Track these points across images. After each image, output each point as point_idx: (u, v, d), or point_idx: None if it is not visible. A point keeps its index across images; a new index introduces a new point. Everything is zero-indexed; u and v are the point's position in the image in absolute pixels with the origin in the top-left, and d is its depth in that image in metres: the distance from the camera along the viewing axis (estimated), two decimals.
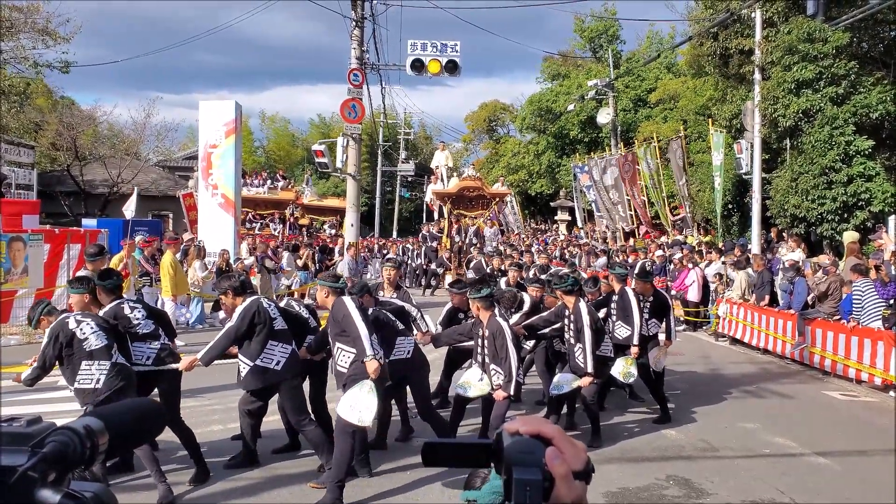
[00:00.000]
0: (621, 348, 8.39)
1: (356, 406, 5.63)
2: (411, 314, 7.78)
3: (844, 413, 9.19)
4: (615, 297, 8.65)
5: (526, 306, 8.59)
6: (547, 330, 7.98)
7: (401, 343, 6.79)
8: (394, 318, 6.94)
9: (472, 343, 7.10)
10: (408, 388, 7.05)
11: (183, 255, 15.17)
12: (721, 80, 21.45)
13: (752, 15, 17.99)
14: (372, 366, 5.66)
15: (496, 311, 6.84)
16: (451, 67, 16.88)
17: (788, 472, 6.63)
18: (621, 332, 8.45)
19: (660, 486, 6.17)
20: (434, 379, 8.35)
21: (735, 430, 7.99)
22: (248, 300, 6.17)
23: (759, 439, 7.67)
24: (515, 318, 8.13)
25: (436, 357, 8.72)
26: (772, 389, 10.29)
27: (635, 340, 8.21)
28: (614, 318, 8.60)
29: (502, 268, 14.64)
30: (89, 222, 20.06)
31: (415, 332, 7.37)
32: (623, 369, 8.09)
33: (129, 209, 17.63)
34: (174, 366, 6.14)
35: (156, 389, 6.26)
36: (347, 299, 5.97)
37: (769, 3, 17.95)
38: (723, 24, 19.10)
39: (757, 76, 17.90)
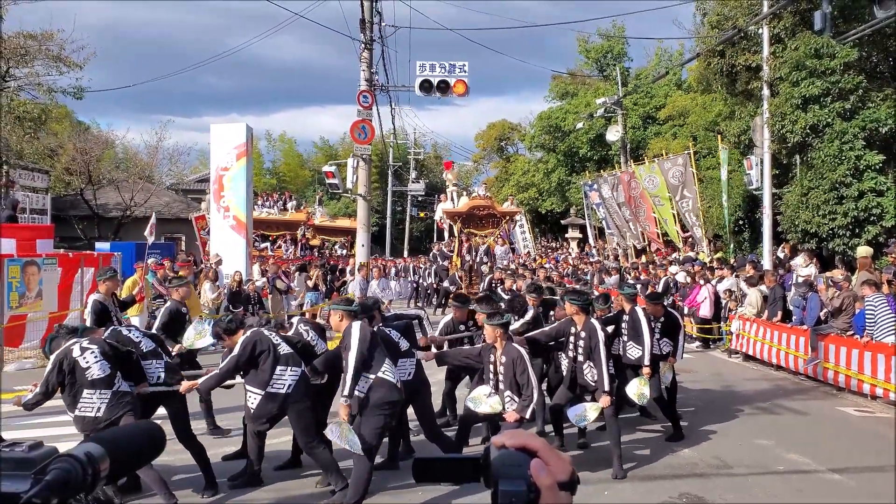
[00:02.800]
0: (634, 368, 8.37)
1: (342, 438, 5.71)
2: (420, 317, 7.86)
3: (859, 429, 9.10)
4: (625, 318, 8.60)
5: (529, 315, 8.58)
6: (552, 343, 7.94)
7: (402, 364, 6.77)
8: (398, 339, 6.92)
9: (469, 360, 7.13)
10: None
11: (195, 276, 15.24)
12: (729, 97, 21.46)
13: (760, 31, 18.04)
14: (343, 410, 5.72)
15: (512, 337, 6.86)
16: (461, 88, 16.99)
17: (803, 488, 6.58)
18: (633, 352, 8.42)
19: None
20: (436, 400, 8.44)
21: (749, 447, 7.94)
22: (249, 332, 6.21)
23: (773, 456, 7.62)
24: (517, 324, 8.12)
25: (440, 379, 8.73)
26: (786, 406, 10.21)
27: (647, 360, 8.15)
28: (625, 338, 8.57)
29: (513, 287, 14.62)
30: (103, 246, 20.22)
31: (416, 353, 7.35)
32: (637, 390, 8.05)
33: (152, 233, 17.74)
34: (176, 387, 6.21)
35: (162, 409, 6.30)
36: (356, 328, 5.93)
37: (776, 19, 17.99)
38: (730, 41, 19.14)
39: (765, 92, 17.91)
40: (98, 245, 20.95)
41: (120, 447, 0.98)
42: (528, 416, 6.56)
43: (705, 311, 15.80)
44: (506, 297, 13.88)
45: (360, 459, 5.74)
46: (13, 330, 12.61)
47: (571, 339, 7.43)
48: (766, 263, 17.23)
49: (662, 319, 8.85)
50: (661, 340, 8.76)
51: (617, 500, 6.18)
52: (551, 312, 9.11)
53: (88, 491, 0.91)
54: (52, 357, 5.64)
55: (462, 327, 8.16)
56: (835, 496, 6.41)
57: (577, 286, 15.11)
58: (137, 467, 1.13)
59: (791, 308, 13.32)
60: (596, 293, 12.04)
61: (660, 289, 14.05)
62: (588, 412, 7.09)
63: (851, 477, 6.92)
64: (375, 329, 6.53)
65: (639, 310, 8.54)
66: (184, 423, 6.28)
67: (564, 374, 7.77)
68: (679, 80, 37.27)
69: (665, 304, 12.38)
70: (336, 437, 5.72)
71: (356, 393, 5.89)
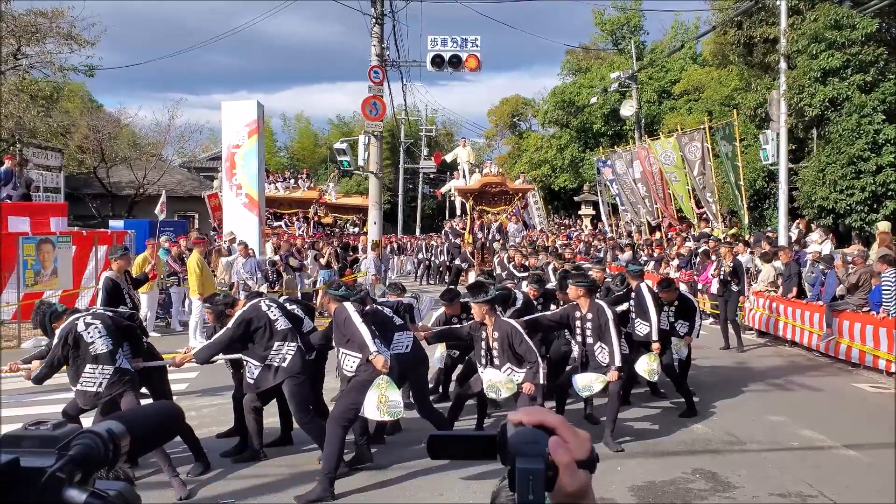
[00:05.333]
0: (644, 345, 8.33)
1: (380, 405, 5.73)
2: (412, 305, 7.91)
3: (874, 405, 9.04)
4: (633, 295, 8.58)
5: (518, 304, 8.54)
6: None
7: (398, 338, 6.77)
8: (391, 315, 6.95)
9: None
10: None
11: (208, 254, 15.27)
12: (746, 70, 21.21)
13: (778, 3, 17.74)
14: (379, 361, 5.76)
15: (499, 312, 6.93)
16: (473, 63, 16.86)
17: (817, 465, 6.55)
18: (642, 328, 8.36)
19: (686, 480, 6.12)
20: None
21: (762, 423, 7.90)
22: (248, 305, 6.31)
23: (787, 432, 7.58)
24: (507, 314, 8.07)
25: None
26: (800, 382, 10.16)
27: (654, 336, 8.10)
28: (633, 315, 8.53)
29: (525, 264, 14.60)
30: (116, 224, 20.32)
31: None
32: (647, 366, 8.02)
33: (163, 210, 17.81)
34: (160, 363, 6.29)
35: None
36: (347, 304, 6.09)
37: None
38: (747, 12, 18.86)
39: (782, 65, 17.64)
40: (112, 223, 21.07)
41: (140, 425, 1.01)
42: (541, 381, 6.59)
43: (715, 287, 15.69)
44: (518, 273, 13.87)
45: (332, 430, 5.77)
46: (28, 307, 12.71)
47: (578, 323, 7.34)
48: (782, 239, 17.09)
49: (676, 303, 8.84)
50: (676, 323, 8.77)
51: (630, 475, 6.17)
52: (552, 305, 9.00)
53: (110, 466, 0.94)
54: (58, 331, 5.72)
55: (455, 320, 8.12)
56: (849, 472, 6.37)
57: (589, 262, 15.03)
58: (156, 446, 1.17)
59: (806, 284, 13.23)
60: (611, 273, 11.94)
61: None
62: (594, 383, 7.08)
63: (866, 453, 6.87)
64: (368, 308, 6.62)
65: (643, 286, 8.52)
66: (165, 398, 6.35)
67: (576, 357, 7.70)
68: (694, 54, 36.87)
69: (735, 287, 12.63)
70: (373, 410, 5.74)
71: (348, 371, 6.02)
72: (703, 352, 11.54)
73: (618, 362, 6.99)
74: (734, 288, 13.10)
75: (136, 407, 1.37)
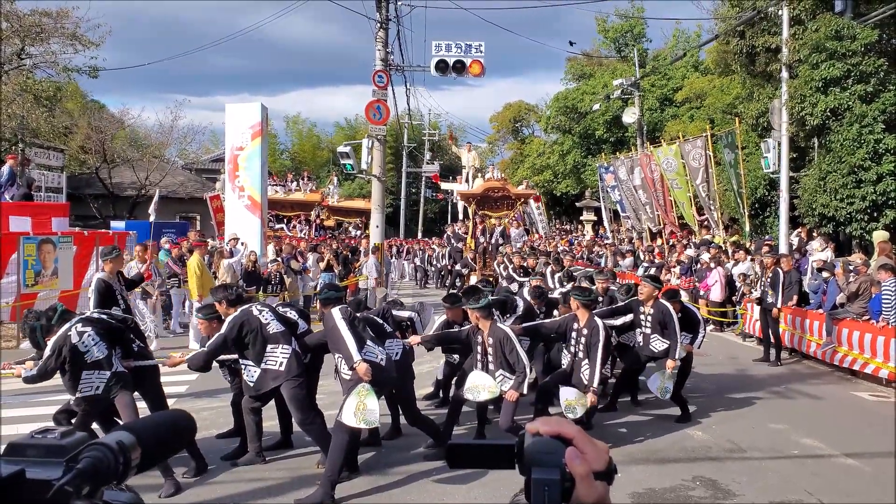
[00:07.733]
0: (654, 359, 8.30)
1: (358, 412, 5.75)
2: (412, 319, 7.92)
3: (874, 414, 9.04)
4: (648, 310, 8.36)
5: (519, 310, 8.53)
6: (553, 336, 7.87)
7: (389, 345, 6.76)
8: (381, 322, 6.95)
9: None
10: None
11: (210, 256, 15.26)
12: (748, 79, 21.23)
13: (780, 13, 17.77)
14: (361, 368, 5.78)
15: (496, 318, 6.97)
16: (476, 68, 16.87)
17: (817, 473, 6.55)
18: (657, 344, 8.28)
19: (686, 487, 6.12)
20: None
21: (763, 431, 7.91)
22: (239, 310, 6.31)
23: (787, 440, 7.59)
24: (509, 321, 8.07)
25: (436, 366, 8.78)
26: (800, 390, 10.17)
27: (677, 355, 8.01)
28: (648, 330, 8.37)
29: (524, 265, 14.61)
30: (118, 224, 20.32)
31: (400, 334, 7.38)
32: (660, 384, 8.00)
33: (153, 210, 17.83)
34: (151, 362, 6.34)
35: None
36: (336, 311, 6.11)
37: (796, 0, 17.73)
38: (749, 21, 18.91)
39: (784, 74, 17.68)
40: (113, 224, 21.07)
41: (150, 436, 0.99)
42: (525, 391, 6.66)
43: (716, 294, 15.71)
44: (517, 277, 13.88)
45: (337, 434, 5.80)
46: (26, 307, 12.73)
47: (573, 334, 7.40)
48: (783, 247, 17.10)
49: (679, 315, 8.78)
50: (680, 335, 8.71)
51: (630, 482, 6.18)
52: (555, 312, 9.02)
53: (120, 479, 0.91)
54: (51, 342, 5.65)
55: (457, 327, 8.11)
56: (849, 481, 6.38)
57: (593, 270, 15.05)
58: (168, 456, 1.11)
59: (808, 292, 13.22)
60: (620, 281, 11.87)
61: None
62: (577, 406, 7.05)
63: (866, 462, 6.88)
64: (360, 314, 6.62)
65: (668, 304, 8.35)
66: (159, 401, 6.35)
67: (565, 366, 7.71)
68: (696, 61, 36.87)
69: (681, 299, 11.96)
70: (350, 416, 5.75)
71: (345, 375, 6.03)
72: (703, 359, 11.53)
73: (595, 385, 7.09)
74: (770, 300, 12.44)
75: (147, 416, 1.38)
